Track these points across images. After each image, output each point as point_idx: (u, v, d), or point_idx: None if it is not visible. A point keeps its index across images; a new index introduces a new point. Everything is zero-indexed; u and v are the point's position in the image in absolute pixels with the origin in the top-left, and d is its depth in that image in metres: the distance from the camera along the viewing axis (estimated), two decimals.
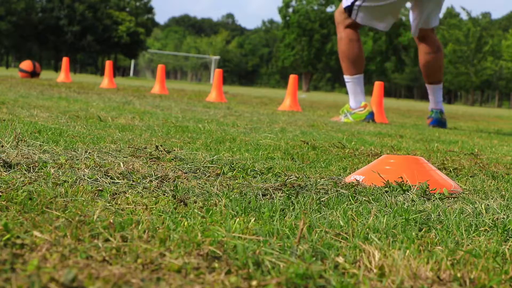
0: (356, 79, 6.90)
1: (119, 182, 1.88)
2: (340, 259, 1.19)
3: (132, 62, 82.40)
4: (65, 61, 15.12)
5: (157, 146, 2.64)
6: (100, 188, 1.74)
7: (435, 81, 7.05)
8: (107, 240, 1.22)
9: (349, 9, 6.64)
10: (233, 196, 1.77)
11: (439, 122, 7.04)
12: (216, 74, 11.27)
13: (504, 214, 1.75)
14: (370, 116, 6.88)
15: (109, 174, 1.97)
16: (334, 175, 2.38)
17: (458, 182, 2.41)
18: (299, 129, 4.73)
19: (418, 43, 6.92)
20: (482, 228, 1.56)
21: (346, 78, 6.97)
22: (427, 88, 7.20)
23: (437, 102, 7.12)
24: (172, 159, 2.43)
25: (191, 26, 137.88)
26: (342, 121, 6.67)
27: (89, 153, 2.39)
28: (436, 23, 6.78)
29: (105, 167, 2.09)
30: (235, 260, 1.14)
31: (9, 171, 1.89)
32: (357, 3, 6.59)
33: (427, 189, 2.04)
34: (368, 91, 15.08)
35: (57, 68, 70.38)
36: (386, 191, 2.04)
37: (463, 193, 2.14)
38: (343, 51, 6.84)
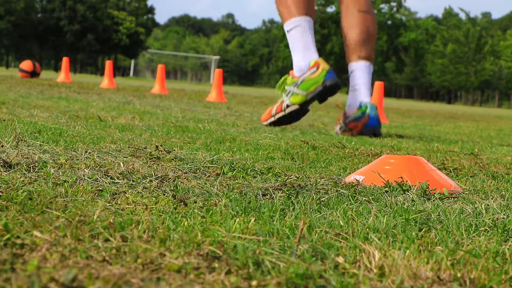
0: (301, 22, 4.48)
1: (119, 182, 1.88)
2: (340, 259, 1.19)
3: (132, 62, 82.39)
4: (65, 61, 15.13)
5: (157, 146, 2.63)
6: (100, 188, 1.74)
7: (365, 55, 4.62)
8: (107, 240, 1.22)
9: None
10: (233, 196, 1.77)
11: (377, 121, 4.61)
12: (216, 74, 11.28)
13: (504, 214, 1.75)
14: (330, 76, 4.46)
15: (109, 174, 1.97)
16: (334, 175, 2.37)
17: (458, 182, 2.40)
18: (299, 129, 4.73)
19: (341, 3, 4.69)
20: (482, 228, 1.56)
21: (286, 25, 4.54)
22: (351, 70, 4.67)
23: (369, 92, 4.65)
24: (172, 159, 2.43)
25: (191, 26, 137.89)
26: (274, 119, 4.61)
27: (89, 153, 2.39)
28: None
29: (105, 167, 2.09)
30: (235, 260, 1.14)
31: (9, 171, 1.89)
32: None
33: (427, 189, 2.04)
34: None
35: (57, 68, 70.35)
36: (386, 191, 2.04)
37: (463, 193, 2.13)
38: None
